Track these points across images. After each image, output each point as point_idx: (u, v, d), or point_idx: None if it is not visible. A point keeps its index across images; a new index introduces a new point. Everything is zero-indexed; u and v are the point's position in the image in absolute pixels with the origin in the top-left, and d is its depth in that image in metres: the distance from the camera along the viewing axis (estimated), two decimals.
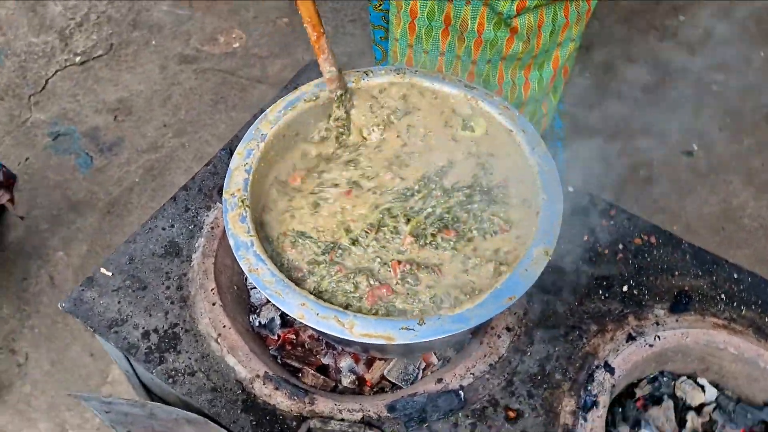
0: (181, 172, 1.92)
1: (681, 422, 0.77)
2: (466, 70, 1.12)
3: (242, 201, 0.71)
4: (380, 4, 1.17)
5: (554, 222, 0.70)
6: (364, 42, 2.18)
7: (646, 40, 2.25)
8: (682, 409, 0.78)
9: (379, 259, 0.72)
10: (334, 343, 0.79)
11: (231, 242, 0.67)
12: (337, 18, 2.33)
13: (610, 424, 0.76)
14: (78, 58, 2.19)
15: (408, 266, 0.71)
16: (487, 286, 0.67)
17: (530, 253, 0.67)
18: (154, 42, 2.25)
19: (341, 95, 0.85)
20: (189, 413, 0.73)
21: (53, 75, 2.17)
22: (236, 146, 0.77)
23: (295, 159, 0.82)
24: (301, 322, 0.64)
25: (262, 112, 0.82)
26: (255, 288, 0.83)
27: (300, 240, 0.73)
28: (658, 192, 1.83)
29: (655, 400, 0.79)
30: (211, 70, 2.20)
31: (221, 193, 0.85)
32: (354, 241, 0.73)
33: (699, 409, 0.78)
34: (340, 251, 0.72)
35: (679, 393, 0.79)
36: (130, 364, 0.81)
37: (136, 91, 2.15)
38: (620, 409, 0.78)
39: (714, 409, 0.78)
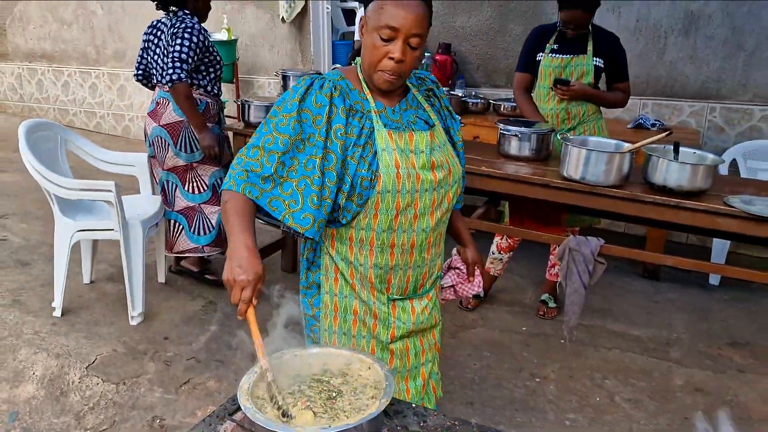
0: None
1: None
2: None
3: (247, 393, 1.47)
4: (314, 312, 1.97)
5: (391, 391, 1.48)
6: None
7: None
8: None
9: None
10: None
11: (242, 407, 1.41)
12: None
13: None
14: None
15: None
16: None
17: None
18: (147, 417, 2.99)
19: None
20: None
21: None
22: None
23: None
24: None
25: None
26: None
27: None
28: None
29: None
30: None
31: (231, 415, 1.60)
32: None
33: None
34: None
35: None
36: None
37: None
38: None
39: None
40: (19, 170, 5.10)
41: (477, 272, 2.18)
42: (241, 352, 3.57)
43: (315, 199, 1.67)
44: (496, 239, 4.13)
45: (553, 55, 3.78)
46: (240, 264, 1.50)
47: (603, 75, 3.82)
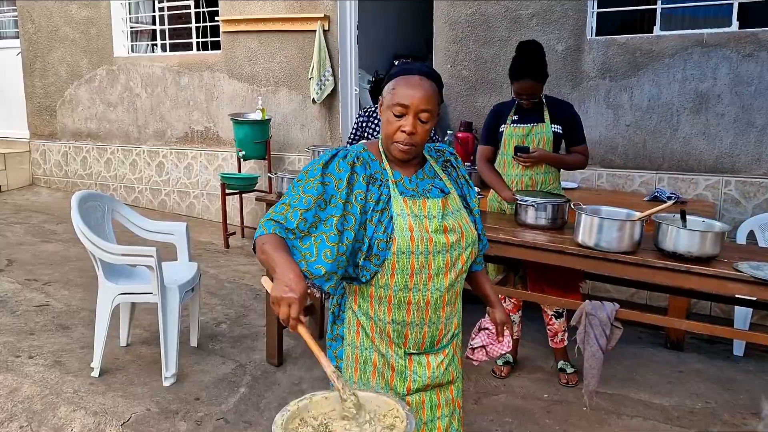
0: None
1: None
2: None
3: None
4: (338, 364, 2.07)
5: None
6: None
7: None
8: None
9: None
10: None
11: None
12: None
13: None
14: None
15: None
16: None
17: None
18: None
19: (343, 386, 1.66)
20: None
21: None
22: None
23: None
24: None
25: None
26: None
27: None
28: None
29: None
30: None
31: None
32: None
33: None
34: None
35: None
36: None
37: None
38: None
39: None
40: (62, 240, 5.42)
41: (506, 332, 2.31)
42: (269, 413, 3.70)
43: (329, 253, 1.80)
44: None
45: (515, 125, 4.05)
46: (287, 284, 1.62)
47: (563, 142, 4.08)
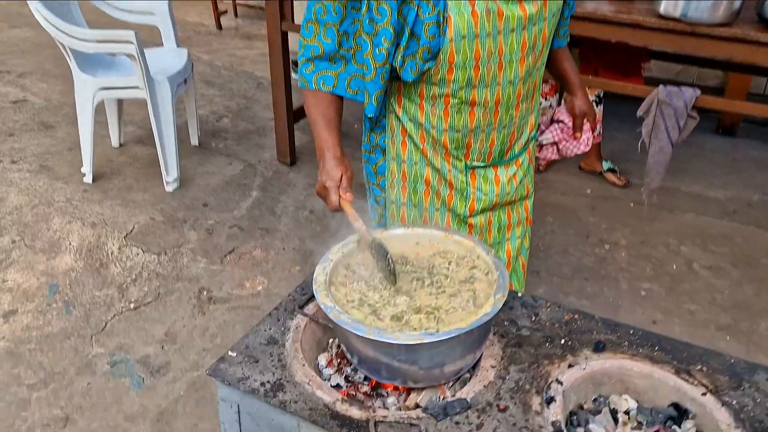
0: None
1: (616, 422, 1.17)
2: None
3: (325, 288, 1.19)
4: (378, 181, 1.66)
5: (506, 284, 1.19)
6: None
7: None
8: (615, 414, 1.18)
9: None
10: (379, 380, 1.20)
11: (323, 307, 1.13)
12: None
13: (569, 425, 1.16)
14: (132, 305, 2.71)
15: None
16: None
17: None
18: (193, 289, 2.79)
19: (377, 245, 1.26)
20: None
21: (112, 318, 2.65)
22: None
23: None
24: (369, 338, 1.07)
25: None
26: (323, 366, 1.27)
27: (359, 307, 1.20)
28: None
29: (597, 412, 1.19)
30: (241, 307, 2.73)
31: (301, 308, 1.34)
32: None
33: (627, 414, 1.19)
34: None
35: (612, 405, 1.20)
36: (239, 424, 1.20)
37: (179, 326, 2.62)
38: (575, 417, 1.18)
39: (637, 414, 1.19)
40: (31, 25, 4.68)
41: (586, 127, 1.81)
42: (287, 218, 3.35)
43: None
44: None
45: None
46: (326, 173, 1.37)
47: None
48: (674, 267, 3.07)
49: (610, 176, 3.74)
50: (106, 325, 2.58)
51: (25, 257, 2.98)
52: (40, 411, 2.24)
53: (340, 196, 1.34)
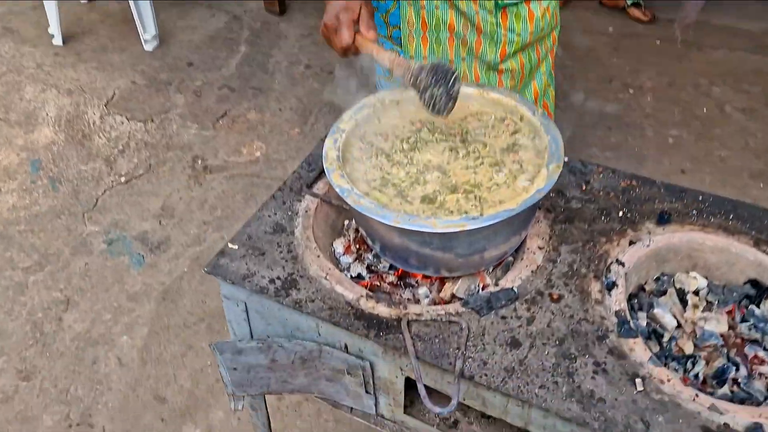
0: None
1: (683, 304, 1.01)
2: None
3: (338, 166, 0.99)
4: (391, 33, 1.43)
5: (560, 151, 0.98)
6: None
7: None
8: (682, 295, 1.02)
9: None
10: (407, 269, 1.03)
11: (338, 191, 0.93)
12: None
13: (630, 310, 1.00)
14: (123, 178, 2.49)
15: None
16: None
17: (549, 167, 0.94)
18: (186, 158, 2.57)
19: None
20: (306, 342, 0.96)
21: (102, 194, 2.45)
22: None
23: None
24: (397, 226, 0.88)
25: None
26: (341, 254, 1.08)
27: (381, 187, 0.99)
28: None
29: (661, 293, 1.03)
30: (240, 175, 2.51)
31: (309, 187, 1.14)
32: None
33: (696, 294, 1.02)
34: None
35: (678, 285, 1.03)
36: (249, 323, 1.04)
37: (176, 198, 2.43)
38: (636, 301, 1.02)
39: (707, 293, 1.03)
40: None
41: None
42: (280, 75, 3.06)
43: None
44: None
45: None
46: (339, 3, 1.09)
47: None
48: (704, 110, 2.83)
49: (635, 11, 3.38)
50: (97, 201, 2.40)
51: (1, 131, 2.74)
52: (38, 295, 2.13)
53: (355, 33, 1.08)
